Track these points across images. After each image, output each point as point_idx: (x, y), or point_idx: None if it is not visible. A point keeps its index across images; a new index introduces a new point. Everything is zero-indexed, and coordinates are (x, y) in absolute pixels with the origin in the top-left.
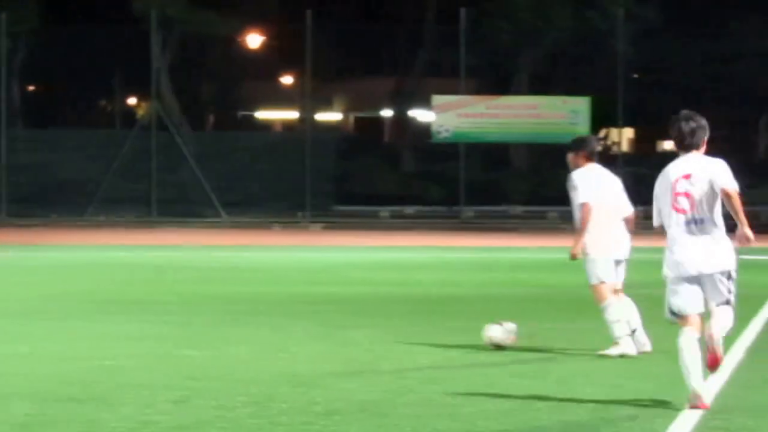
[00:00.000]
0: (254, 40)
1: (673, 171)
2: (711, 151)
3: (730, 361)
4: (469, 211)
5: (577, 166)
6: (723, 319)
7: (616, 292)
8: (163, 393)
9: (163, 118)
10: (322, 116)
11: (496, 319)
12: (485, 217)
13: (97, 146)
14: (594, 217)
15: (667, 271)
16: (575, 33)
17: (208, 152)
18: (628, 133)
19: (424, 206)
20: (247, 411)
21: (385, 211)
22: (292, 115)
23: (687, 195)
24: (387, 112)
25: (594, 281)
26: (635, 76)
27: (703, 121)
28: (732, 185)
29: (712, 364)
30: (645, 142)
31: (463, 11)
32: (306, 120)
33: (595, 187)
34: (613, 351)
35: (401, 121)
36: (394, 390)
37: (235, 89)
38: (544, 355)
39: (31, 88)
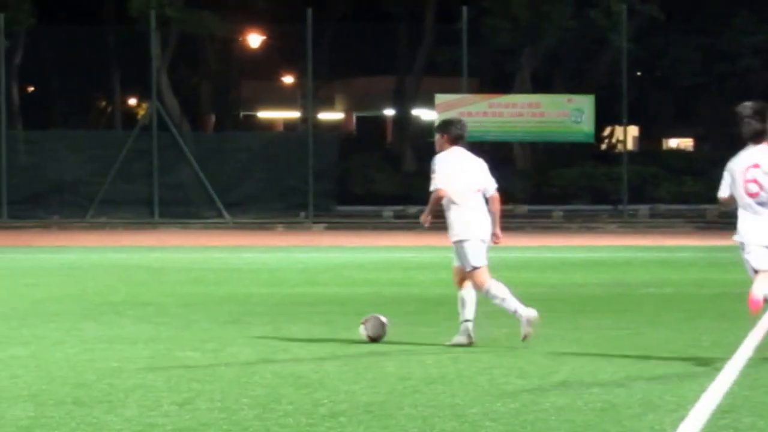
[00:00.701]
0: (254, 39)
1: (744, 159)
2: (717, 146)
3: (738, 360)
4: None
5: (442, 149)
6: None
7: (463, 280)
8: (167, 395)
9: (164, 118)
10: (324, 116)
11: (495, 318)
12: None
13: (97, 147)
14: (461, 201)
15: (740, 239)
16: (577, 30)
17: (209, 153)
18: (633, 131)
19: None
20: (251, 413)
21: (388, 211)
22: (293, 114)
23: (755, 182)
24: (389, 112)
25: (469, 268)
26: (638, 73)
27: None
28: None
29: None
30: (649, 139)
31: (464, 9)
32: (308, 120)
33: (457, 171)
34: (525, 328)
35: (403, 121)
36: (400, 391)
37: (236, 89)
38: (547, 355)
39: (30, 89)
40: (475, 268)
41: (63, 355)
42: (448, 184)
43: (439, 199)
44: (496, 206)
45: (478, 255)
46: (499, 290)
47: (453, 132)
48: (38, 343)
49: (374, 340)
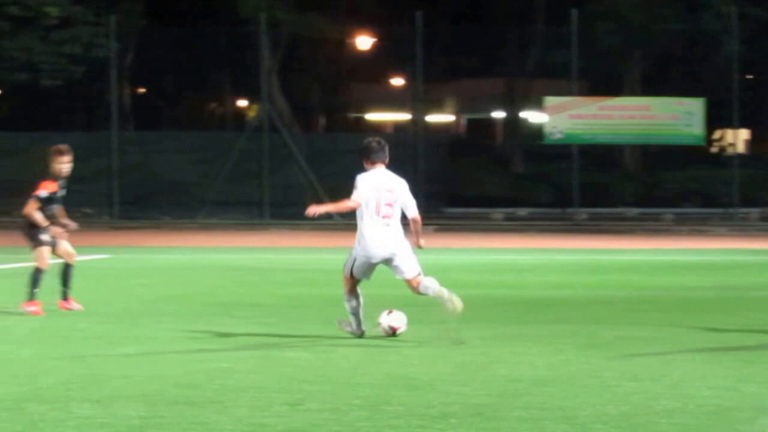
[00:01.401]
0: (363, 42)
1: None
2: None
3: None
4: (582, 213)
5: (366, 170)
6: None
7: (413, 283)
8: (277, 396)
9: (274, 120)
10: (433, 118)
11: (606, 321)
12: (599, 219)
13: (207, 148)
14: (366, 217)
15: None
16: (687, 33)
17: (318, 154)
18: (744, 134)
19: (537, 208)
20: (362, 414)
21: (497, 213)
22: (403, 117)
23: None
24: (498, 114)
25: (346, 272)
26: (748, 76)
27: None
28: None
29: None
30: (760, 142)
31: (574, 12)
32: (417, 122)
33: (371, 188)
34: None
35: (512, 123)
36: (510, 393)
37: (345, 91)
38: (658, 358)
39: (141, 90)
40: (350, 276)
41: (174, 355)
42: (364, 200)
43: (350, 209)
44: (417, 226)
45: (356, 269)
46: (353, 300)
47: (365, 156)
48: (150, 343)
49: (395, 330)
